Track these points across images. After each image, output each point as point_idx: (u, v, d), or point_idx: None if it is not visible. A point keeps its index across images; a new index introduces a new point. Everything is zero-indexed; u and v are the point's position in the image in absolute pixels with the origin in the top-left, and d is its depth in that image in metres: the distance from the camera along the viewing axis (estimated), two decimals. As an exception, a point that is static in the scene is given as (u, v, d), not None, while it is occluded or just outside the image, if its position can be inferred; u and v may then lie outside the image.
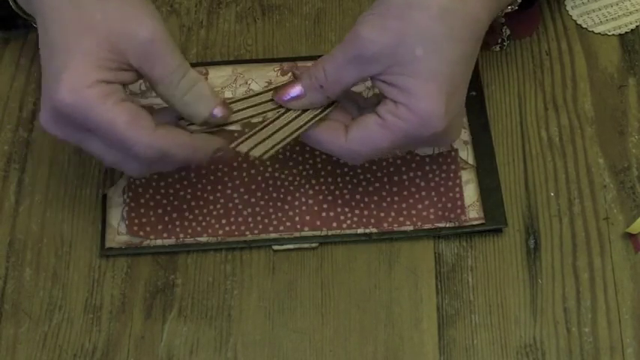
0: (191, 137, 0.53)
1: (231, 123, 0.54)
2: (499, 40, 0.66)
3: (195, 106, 0.52)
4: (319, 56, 0.65)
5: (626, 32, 0.66)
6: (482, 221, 0.59)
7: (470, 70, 0.53)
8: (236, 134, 0.62)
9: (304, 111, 0.54)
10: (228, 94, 0.65)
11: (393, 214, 0.59)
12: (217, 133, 0.54)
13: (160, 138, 0.50)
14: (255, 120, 0.55)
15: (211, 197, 0.61)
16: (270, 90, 0.55)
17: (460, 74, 0.51)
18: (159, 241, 0.59)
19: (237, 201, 0.60)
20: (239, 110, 0.55)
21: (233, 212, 0.60)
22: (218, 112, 0.53)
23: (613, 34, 0.66)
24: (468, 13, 0.51)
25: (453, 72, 0.50)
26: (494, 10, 0.54)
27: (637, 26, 0.66)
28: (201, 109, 0.52)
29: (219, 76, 0.65)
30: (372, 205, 0.60)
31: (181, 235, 0.59)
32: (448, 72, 0.50)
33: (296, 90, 0.54)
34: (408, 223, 0.59)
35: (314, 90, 0.53)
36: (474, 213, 0.59)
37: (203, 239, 0.59)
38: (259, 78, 0.65)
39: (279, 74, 0.65)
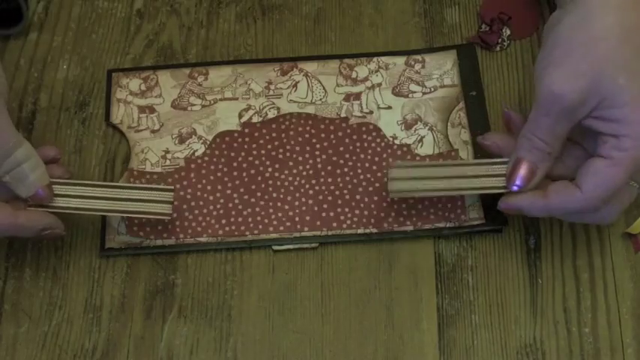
0: (14, 217, 0.53)
1: (56, 207, 0.56)
2: (499, 40, 0.66)
3: (15, 187, 0.54)
4: (319, 56, 0.66)
5: (626, 32, 0.66)
6: (483, 221, 0.59)
7: None
8: (236, 134, 0.63)
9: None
10: (228, 94, 0.65)
11: (393, 214, 0.59)
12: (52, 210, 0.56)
13: None
14: (81, 212, 0.57)
15: (211, 197, 0.61)
16: (112, 186, 0.57)
17: None
18: (159, 241, 0.59)
19: (237, 201, 0.60)
20: (68, 196, 0.56)
21: (233, 212, 0.60)
22: (39, 194, 0.54)
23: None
24: None
25: None
26: None
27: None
28: (20, 191, 0.54)
29: (219, 75, 0.65)
30: (372, 205, 0.60)
31: (181, 235, 0.59)
32: None
33: (527, 167, 0.53)
34: (408, 223, 0.59)
35: (544, 159, 0.53)
36: (474, 213, 0.59)
37: (203, 239, 0.59)
38: (259, 78, 0.65)
39: (278, 74, 0.65)
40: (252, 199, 0.60)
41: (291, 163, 0.62)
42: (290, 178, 0.61)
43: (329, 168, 0.61)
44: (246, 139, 0.63)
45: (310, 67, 0.65)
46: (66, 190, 0.56)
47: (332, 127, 0.63)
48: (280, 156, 0.62)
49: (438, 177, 0.56)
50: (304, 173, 0.61)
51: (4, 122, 0.52)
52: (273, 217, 0.60)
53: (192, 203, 0.60)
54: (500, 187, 0.55)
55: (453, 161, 0.58)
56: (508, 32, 0.66)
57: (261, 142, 0.62)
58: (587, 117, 0.51)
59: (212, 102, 0.64)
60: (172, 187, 0.57)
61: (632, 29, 0.49)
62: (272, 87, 0.65)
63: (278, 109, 0.64)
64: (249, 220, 0.60)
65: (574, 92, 0.49)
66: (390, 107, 0.63)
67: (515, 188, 0.54)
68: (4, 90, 0.53)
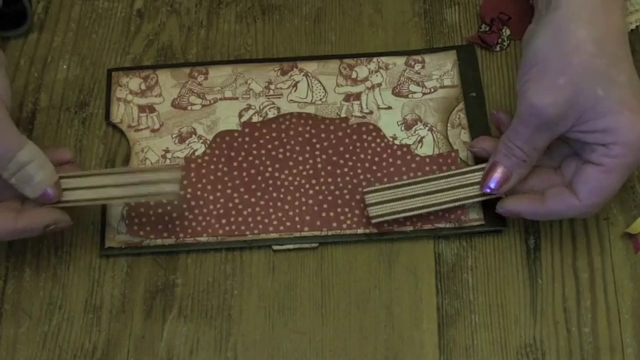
0: (14, 222, 0.53)
1: (66, 202, 0.55)
2: (499, 40, 0.66)
3: (21, 189, 0.54)
4: (319, 56, 0.66)
5: (626, 32, 0.66)
6: (482, 222, 0.59)
7: (637, 75, 0.52)
8: (236, 134, 0.63)
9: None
10: (228, 94, 0.65)
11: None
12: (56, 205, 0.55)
13: None
14: (92, 203, 0.57)
15: (211, 197, 0.61)
16: (120, 172, 0.57)
17: (638, 85, 0.51)
18: (159, 241, 0.59)
19: (237, 201, 0.60)
20: (79, 188, 0.56)
21: (233, 212, 0.60)
22: (47, 194, 0.54)
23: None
24: (614, 32, 0.51)
25: (634, 89, 0.51)
26: (625, 12, 0.54)
27: (637, 26, 0.66)
28: (27, 192, 0.54)
29: (219, 75, 0.65)
30: (372, 206, 0.60)
31: (181, 235, 0.59)
32: (632, 90, 0.50)
33: (501, 173, 0.55)
34: (407, 223, 0.59)
35: (518, 166, 0.54)
36: (473, 214, 0.59)
37: (203, 239, 0.59)
38: (259, 78, 0.65)
39: (278, 74, 0.65)
40: (252, 199, 0.60)
41: (291, 163, 0.62)
42: (290, 178, 0.61)
43: (329, 168, 0.61)
44: (246, 139, 0.63)
45: (310, 67, 0.65)
46: (76, 182, 0.56)
47: (332, 127, 0.63)
48: (280, 156, 0.62)
49: (416, 195, 0.58)
50: (304, 173, 0.61)
51: (5, 124, 0.52)
52: (273, 216, 0.60)
53: (192, 203, 0.60)
54: (478, 195, 0.57)
55: (426, 176, 0.59)
56: (508, 32, 0.66)
57: (261, 141, 0.62)
58: (571, 132, 0.52)
59: (212, 101, 0.64)
60: (178, 165, 0.57)
61: (604, 40, 0.50)
62: (272, 87, 0.65)
63: (278, 109, 0.64)
64: (249, 219, 0.60)
65: (553, 106, 0.50)
66: (390, 107, 0.64)
67: (487, 190, 0.56)
68: (5, 92, 0.53)
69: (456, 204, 0.58)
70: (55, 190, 0.54)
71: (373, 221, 0.58)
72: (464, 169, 0.58)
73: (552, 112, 0.50)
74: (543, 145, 0.53)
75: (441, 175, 0.59)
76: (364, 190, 0.59)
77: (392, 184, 0.59)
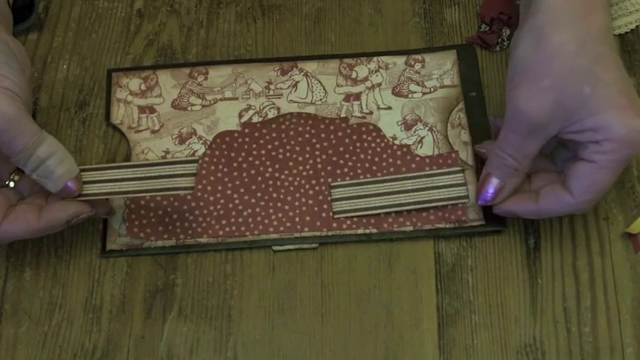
0: (36, 221, 0.53)
1: (87, 195, 0.55)
2: (499, 40, 0.66)
3: (43, 183, 0.54)
4: (319, 56, 0.66)
5: (626, 32, 0.66)
6: (482, 222, 0.59)
7: (625, 72, 0.52)
8: (236, 134, 0.63)
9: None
10: (228, 94, 0.65)
11: (392, 214, 0.59)
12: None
13: (2, 232, 0.53)
14: (112, 196, 0.57)
15: (211, 198, 0.61)
16: (138, 165, 0.56)
17: (625, 81, 0.51)
18: (159, 243, 0.59)
19: (237, 201, 0.60)
20: (98, 181, 0.56)
21: (233, 213, 0.60)
22: (68, 188, 0.54)
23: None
24: (595, 31, 0.51)
25: (620, 85, 0.51)
26: (609, 10, 0.53)
27: (637, 26, 0.66)
28: (49, 187, 0.54)
29: (219, 75, 0.65)
30: (372, 206, 0.60)
31: (181, 237, 0.59)
32: (619, 87, 0.50)
33: (494, 184, 0.55)
34: (407, 223, 0.59)
35: (511, 176, 0.55)
36: (473, 214, 0.59)
37: (203, 240, 0.59)
38: (259, 78, 0.65)
39: (278, 74, 0.65)
40: (253, 200, 0.60)
41: (291, 164, 0.62)
42: (290, 179, 0.61)
43: (329, 168, 0.61)
44: (246, 140, 0.63)
45: (310, 66, 0.65)
46: (97, 175, 0.56)
47: (332, 128, 0.63)
48: (280, 156, 0.62)
49: (381, 194, 0.59)
50: (304, 173, 0.61)
51: (24, 122, 0.52)
52: (273, 217, 0.60)
53: (193, 204, 0.60)
54: (445, 198, 0.58)
55: (393, 176, 0.60)
56: (508, 32, 0.66)
57: (261, 142, 0.62)
58: (563, 133, 0.52)
59: (212, 102, 0.64)
60: (197, 159, 0.56)
61: (586, 39, 0.50)
62: (272, 87, 0.65)
63: (278, 109, 0.64)
64: (250, 220, 0.60)
65: (539, 110, 0.50)
66: (390, 108, 0.64)
67: (482, 202, 0.56)
68: (23, 91, 0.53)
69: (418, 207, 0.59)
70: (77, 184, 0.54)
71: (335, 216, 0.59)
72: (431, 172, 0.60)
73: (539, 116, 0.51)
74: (534, 150, 0.53)
75: (408, 175, 0.60)
76: (331, 184, 0.59)
77: (358, 181, 0.60)
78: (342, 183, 0.60)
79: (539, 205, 0.54)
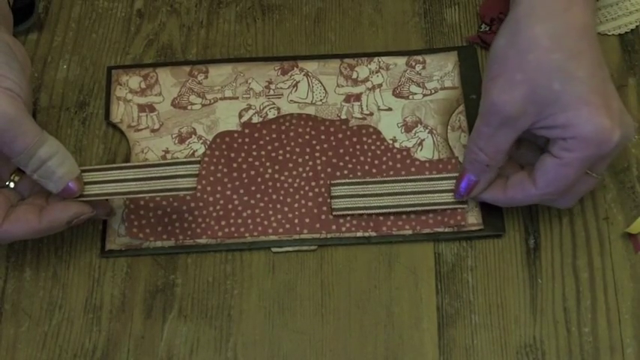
0: (37, 223, 0.53)
1: (88, 196, 0.55)
2: (499, 40, 0.66)
3: (44, 184, 0.54)
4: (320, 55, 0.66)
5: (625, 32, 0.66)
6: (481, 227, 0.59)
7: (606, 70, 0.52)
8: (236, 134, 0.63)
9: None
10: (228, 93, 0.65)
11: (392, 217, 0.59)
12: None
13: (3, 232, 0.53)
14: (113, 197, 0.57)
15: (211, 199, 0.61)
16: (140, 166, 0.56)
17: (602, 80, 0.51)
18: (158, 243, 0.59)
19: (236, 202, 0.60)
20: (100, 182, 0.56)
21: (232, 214, 0.60)
22: (69, 188, 0.54)
23: (613, 34, 0.66)
24: (573, 26, 0.51)
25: (595, 83, 0.50)
26: (593, 5, 0.53)
27: (637, 26, 0.66)
28: (50, 187, 0.54)
29: (219, 74, 0.65)
30: (372, 209, 0.60)
31: (181, 237, 0.59)
32: (591, 86, 0.50)
33: (467, 179, 0.56)
34: (407, 227, 0.59)
35: (483, 171, 0.55)
36: (472, 218, 0.59)
37: (203, 241, 0.59)
38: (259, 77, 0.65)
39: (279, 73, 0.65)
40: (252, 201, 0.60)
41: (290, 165, 0.61)
42: (290, 180, 0.61)
43: (329, 170, 0.61)
44: (246, 140, 0.63)
45: (311, 66, 0.65)
46: (99, 176, 0.56)
47: (332, 129, 0.63)
48: (280, 157, 0.62)
49: (381, 194, 0.59)
50: (304, 175, 0.61)
51: (25, 122, 0.52)
52: (272, 219, 0.60)
53: (192, 204, 0.60)
54: (445, 202, 0.59)
55: (395, 177, 0.60)
56: (508, 32, 0.66)
57: (261, 142, 0.62)
58: (534, 128, 0.52)
59: (212, 101, 0.64)
60: (199, 159, 0.56)
61: (562, 35, 0.50)
62: (272, 86, 0.65)
63: (278, 109, 0.64)
64: (249, 221, 0.60)
65: (511, 103, 0.51)
66: (390, 109, 0.63)
67: (458, 197, 0.58)
68: (24, 91, 0.53)
69: (417, 209, 0.59)
70: (78, 184, 0.54)
71: (334, 214, 0.59)
72: (432, 176, 0.60)
73: (511, 109, 0.51)
74: (505, 145, 0.53)
75: (409, 178, 0.60)
76: (331, 182, 0.59)
77: (360, 180, 0.60)
78: (343, 181, 0.60)
79: (506, 194, 0.55)
